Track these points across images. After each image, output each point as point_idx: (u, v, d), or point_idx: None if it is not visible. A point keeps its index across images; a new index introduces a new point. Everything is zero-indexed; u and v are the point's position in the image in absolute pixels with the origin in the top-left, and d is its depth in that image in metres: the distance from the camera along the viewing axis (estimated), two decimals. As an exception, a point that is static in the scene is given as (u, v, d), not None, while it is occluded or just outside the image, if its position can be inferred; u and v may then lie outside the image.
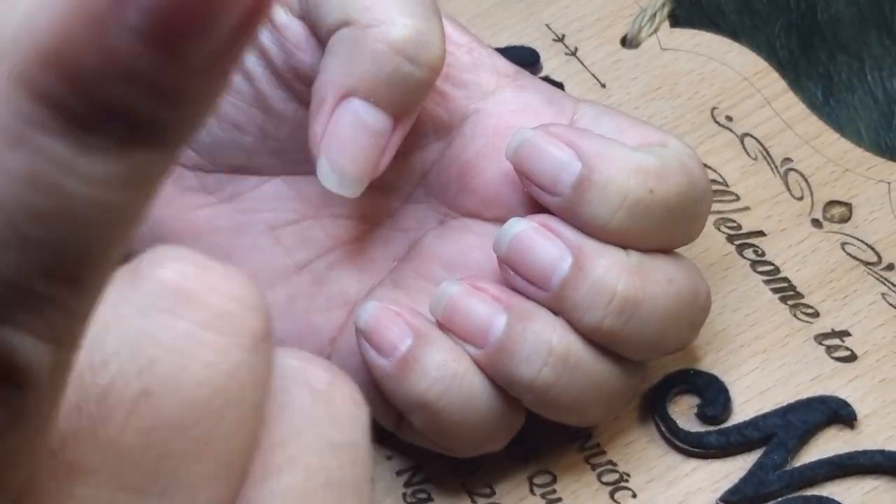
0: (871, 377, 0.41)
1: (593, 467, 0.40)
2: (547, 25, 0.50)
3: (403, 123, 0.37)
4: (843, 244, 0.44)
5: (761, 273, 0.44)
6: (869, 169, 0.46)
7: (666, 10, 0.51)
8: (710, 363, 0.42)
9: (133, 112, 0.17)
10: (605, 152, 0.36)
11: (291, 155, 0.40)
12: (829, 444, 0.40)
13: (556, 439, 0.41)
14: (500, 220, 0.38)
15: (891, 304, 0.43)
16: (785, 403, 0.41)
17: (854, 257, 0.44)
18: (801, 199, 0.45)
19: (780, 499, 0.39)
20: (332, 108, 0.36)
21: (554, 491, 0.40)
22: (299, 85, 0.38)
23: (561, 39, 0.50)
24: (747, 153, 0.46)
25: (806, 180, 0.46)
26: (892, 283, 0.43)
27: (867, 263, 0.44)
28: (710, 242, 0.44)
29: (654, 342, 0.37)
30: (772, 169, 0.46)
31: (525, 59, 0.49)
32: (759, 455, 0.40)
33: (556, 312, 0.37)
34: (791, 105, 0.47)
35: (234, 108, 0.39)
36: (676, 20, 0.51)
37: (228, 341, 0.22)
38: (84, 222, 0.17)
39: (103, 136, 0.17)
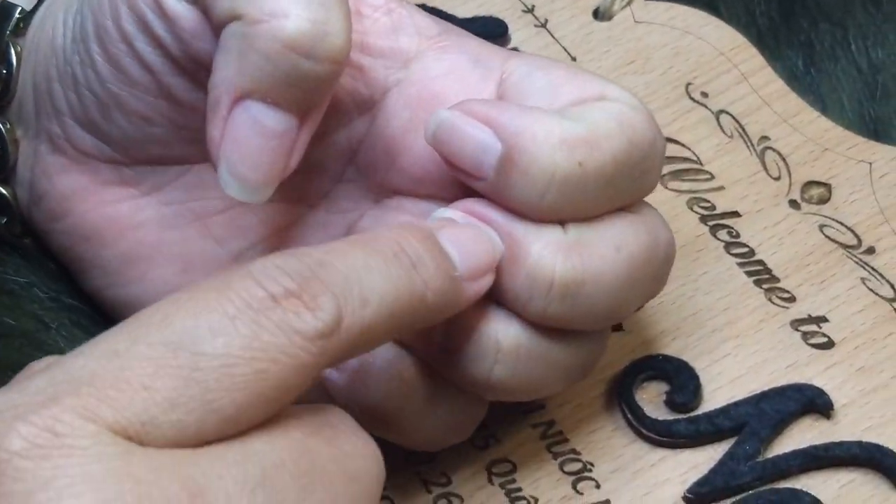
0: (848, 365, 0.39)
1: (555, 456, 0.38)
2: (516, -4, 0.48)
3: (311, 119, 0.34)
4: (821, 226, 0.42)
5: (735, 255, 0.42)
6: (850, 149, 0.44)
7: (640, -20, 0.48)
8: (679, 348, 0.40)
9: None
10: (527, 126, 0.34)
11: None
12: (804, 435, 0.38)
13: (516, 424, 0.39)
14: (435, 198, 0.36)
15: (870, 290, 0.41)
16: (758, 391, 0.39)
17: (833, 240, 0.42)
18: (778, 178, 0.43)
19: (751, 491, 0.37)
20: (227, 110, 0.33)
21: (514, 480, 0.38)
22: (203, 74, 0.35)
23: (531, 10, 0.47)
24: (723, 131, 0.44)
25: (784, 159, 0.44)
26: (873, 268, 0.41)
27: (846, 247, 0.42)
28: (683, 223, 0.42)
29: (610, 313, 0.35)
30: (748, 147, 0.44)
31: (492, 30, 0.47)
32: (730, 445, 0.38)
33: (498, 304, 0.35)
34: (769, 81, 0.45)
35: (138, 101, 0.36)
36: (651, -9, 0.49)
37: None
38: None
39: None
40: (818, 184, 0.43)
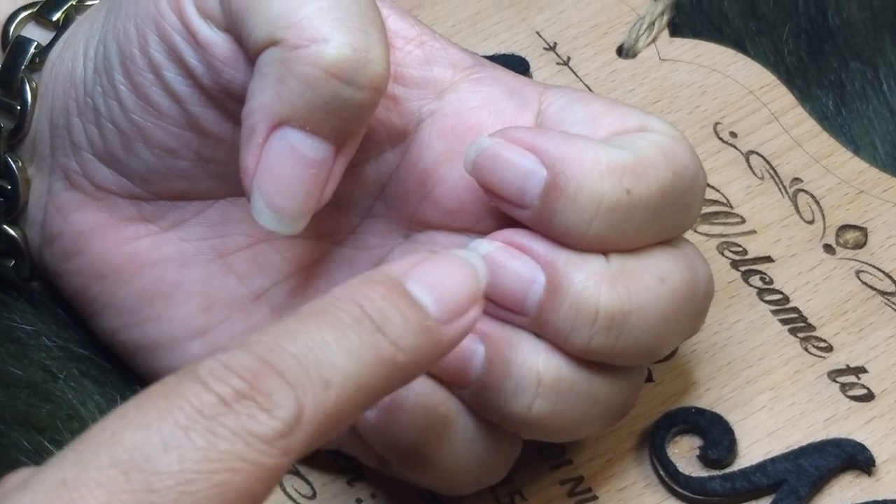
0: (890, 418, 0.38)
1: (584, 514, 0.37)
2: (538, 33, 0.46)
3: (347, 148, 0.33)
4: (857, 272, 0.41)
5: (769, 302, 0.40)
6: (885, 191, 0.42)
7: (665, 18, 0.47)
8: (712, 400, 0.39)
9: None
10: (572, 154, 0.33)
11: (235, 176, 0.36)
12: (844, 493, 0.37)
13: (543, 480, 0.37)
14: (469, 231, 0.35)
15: (910, 339, 0.39)
16: (796, 446, 0.37)
17: (870, 286, 0.40)
18: (811, 222, 0.42)
19: (790, 552, 0.36)
20: (263, 138, 0.32)
21: (540, 540, 0.36)
22: (232, 104, 0.35)
23: (553, 48, 0.46)
24: (753, 172, 0.43)
25: (817, 202, 0.42)
26: (911, 315, 0.40)
27: (884, 293, 0.40)
28: (714, 268, 0.40)
29: (652, 348, 0.34)
30: (780, 189, 0.43)
31: (514, 68, 0.45)
32: None
33: (539, 336, 0.33)
34: (800, 121, 0.44)
35: (163, 132, 0.35)
36: (676, 28, 0.47)
37: None
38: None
39: None
40: (854, 227, 0.42)
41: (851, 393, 0.39)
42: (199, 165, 0.36)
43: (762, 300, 0.40)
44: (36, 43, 0.38)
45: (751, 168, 0.43)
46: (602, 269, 0.33)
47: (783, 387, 0.39)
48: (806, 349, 0.39)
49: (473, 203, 0.35)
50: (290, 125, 0.32)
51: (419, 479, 0.35)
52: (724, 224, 0.42)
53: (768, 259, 0.41)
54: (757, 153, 0.43)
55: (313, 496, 0.37)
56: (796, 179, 0.43)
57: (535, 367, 0.33)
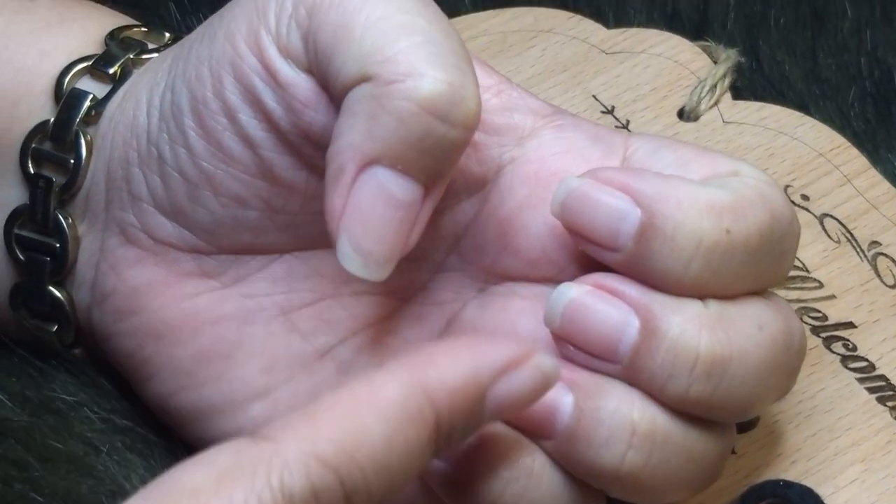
0: None
1: None
2: (594, 97, 0.45)
3: (435, 191, 0.32)
4: (947, 338, 0.39)
5: (854, 370, 0.38)
6: (970, 254, 0.40)
7: (727, 81, 0.46)
8: (800, 473, 0.37)
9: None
10: (668, 192, 0.31)
11: (303, 229, 0.35)
12: (949, 570, 0.34)
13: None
14: (551, 281, 0.33)
15: None
16: (895, 521, 0.35)
17: (961, 353, 0.38)
18: (893, 287, 0.40)
19: None
20: (352, 178, 0.31)
21: None
22: (309, 149, 0.33)
23: (610, 111, 0.45)
24: (829, 235, 0.41)
25: (898, 266, 0.40)
26: None
27: (977, 360, 0.38)
28: (793, 335, 0.39)
29: (751, 402, 0.32)
30: (858, 253, 0.41)
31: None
32: (867, 582, 0.34)
33: (630, 384, 0.32)
34: (875, 183, 0.42)
35: (234, 181, 0.34)
36: (738, 91, 0.46)
37: None
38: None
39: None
40: (939, 292, 0.40)
41: (949, 465, 0.36)
42: (267, 216, 0.34)
43: (846, 367, 0.38)
44: (91, 95, 0.36)
45: (826, 231, 0.41)
46: (700, 312, 0.31)
47: (875, 458, 0.37)
48: (897, 419, 0.37)
49: (557, 250, 0.33)
50: (380, 164, 0.31)
51: None
52: (802, 289, 0.40)
53: (850, 325, 0.39)
54: (831, 216, 0.42)
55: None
56: (874, 243, 0.41)
57: (629, 415, 0.31)
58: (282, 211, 0.34)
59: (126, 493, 0.36)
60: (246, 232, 0.34)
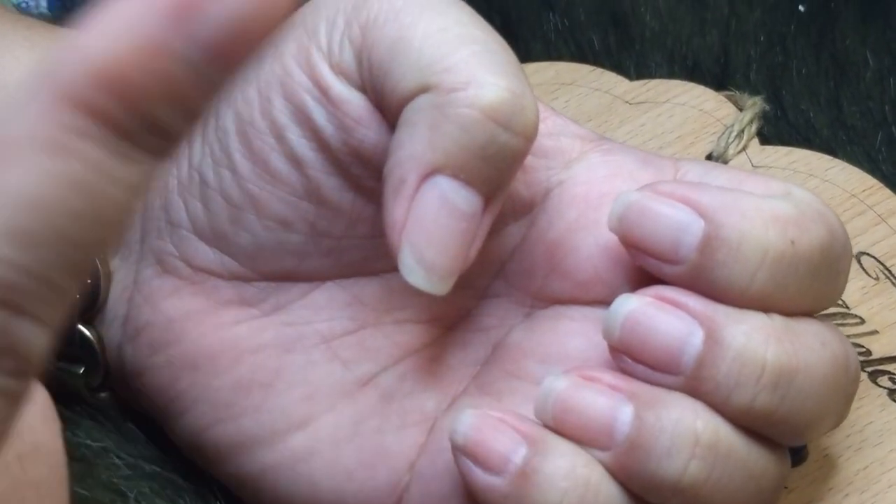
0: None
1: None
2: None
3: (495, 204, 0.32)
4: None
5: (902, 403, 0.37)
6: None
7: (754, 127, 0.46)
8: (854, 506, 0.35)
9: (168, 127, 0.20)
10: (732, 203, 0.31)
11: (346, 255, 0.34)
12: None
13: None
14: (602, 303, 0.32)
15: None
16: (955, 551, 0.34)
17: None
18: (936, 321, 0.39)
19: None
20: (414, 188, 0.30)
21: None
22: (358, 168, 0.33)
23: (638, 158, 0.44)
24: (867, 273, 0.41)
25: (940, 301, 0.40)
26: None
27: None
28: (837, 370, 0.38)
29: (813, 420, 0.31)
30: (898, 289, 0.40)
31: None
32: None
33: (693, 396, 0.31)
34: (910, 222, 0.42)
35: (279, 202, 0.33)
36: (765, 138, 0.46)
37: None
38: (109, 222, 0.20)
39: (142, 148, 0.20)
40: (983, 325, 0.39)
41: None
42: (311, 240, 0.34)
43: (894, 400, 0.38)
44: None
45: (863, 269, 0.41)
46: (766, 323, 0.31)
47: (930, 490, 0.36)
48: (948, 450, 0.36)
49: (609, 271, 0.33)
50: (443, 174, 0.30)
51: None
52: (843, 325, 0.39)
53: (895, 359, 0.38)
54: (868, 254, 0.41)
55: None
56: (914, 279, 0.40)
57: (692, 425, 0.30)
58: (326, 234, 0.33)
59: (155, 539, 0.35)
60: (288, 257, 0.34)
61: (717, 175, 0.33)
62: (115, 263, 0.35)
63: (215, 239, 0.34)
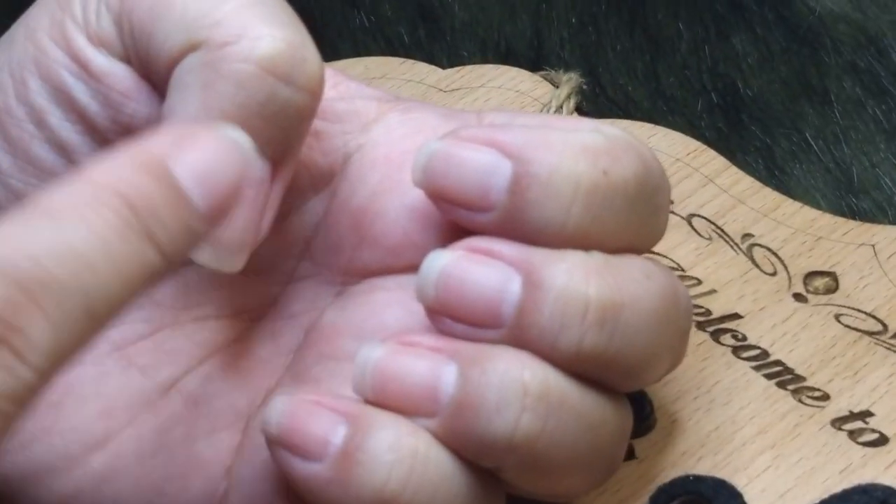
0: (912, 458, 0.33)
1: None
2: (437, 131, 0.42)
3: (284, 170, 0.29)
4: (836, 316, 0.37)
5: (747, 359, 0.36)
6: (845, 234, 0.39)
7: (572, 103, 0.44)
8: (708, 468, 0.34)
9: None
10: (539, 139, 0.29)
11: None
12: (884, 543, 0.32)
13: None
14: (415, 269, 0.30)
15: (908, 379, 0.35)
16: (818, 501, 0.32)
17: (854, 328, 0.36)
18: (773, 274, 0.38)
19: None
20: None
21: None
22: None
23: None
24: (699, 234, 0.39)
25: (775, 254, 0.38)
26: (903, 357, 0.36)
27: (872, 333, 0.36)
28: (678, 332, 0.36)
29: (646, 358, 0.29)
30: (732, 247, 0.39)
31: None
32: (799, 568, 0.31)
33: (518, 347, 0.28)
34: (738, 180, 0.41)
35: None
36: (584, 115, 0.44)
37: None
38: None
39: None
40: (821, 273, 0.38)
41: (862, 439, 0.34)
42: None
43: (739, 357, 0.36)
44: None
45: (695, 230, 0.39)
46: (585, 260, 0.29)
47: (785, 444, 0.34)
48: (800, 401, 0.35)
49: (420, 232, 0.30)
50: None
51: None
52: (680, 288, 0.38)
53: (736, 316, 0.37)
54: (698, 215, 0.40)
55: None
56: (747, 235, 0.39)
57: (519, 376, 0.28)
58: None
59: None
60: None
61: (525, 119, 0.31)
62: None
63: None
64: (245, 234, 0.27)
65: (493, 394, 0.27)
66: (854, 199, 0.41)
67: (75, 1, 0.30)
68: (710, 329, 0.37)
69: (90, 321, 0.23)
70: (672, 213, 0.40)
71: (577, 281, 0.28)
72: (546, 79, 0.45)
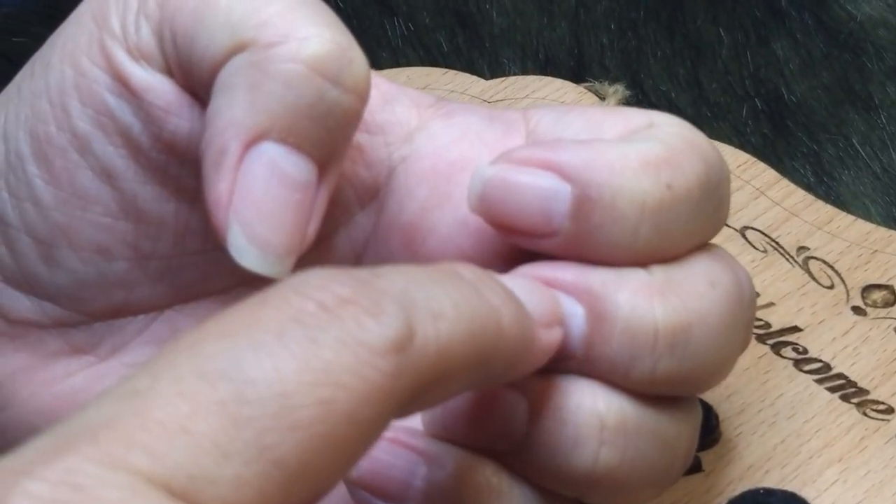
0: (979, 471, 0.34)
1: None
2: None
3: (330, 174, 0.28)
4: (896, 329, 0.37)
5: (809, 372, 0.36)
6: (900, 246, 0.39)
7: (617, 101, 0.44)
8: (776, 481, 0.34)
9: None
10: (596, 158, 0.27)
11: (180, 276, 0.30)
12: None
13: None
14: None
15: (967, 391, 0.36)
16: (888, 515, 0.33)
17: (914, 341, 0.37)
18: (831, 287, 0.38)
19: None
20: (238, 158, 0.26)
21: None
22: (175, 168, 0.29)
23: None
24: (753, 246, 0.39)
25: (831, 267, 0.39)
26: (961, 369, 0.36)
27: (932, 346, 0.37)
28: (739, 346, 0.37)
29: (717, 366, 0.29)
30: (787, 260, 0.39)
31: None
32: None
33: (589, 377, 0.28)
34: (790, 193, 0.41)
35: (94, 229, 0.29)
36: (631, 124, 0.44)
37: None
38: None
39: None
40: (879, 287, 0.38)
41: (929, 452, 0.34)
42: (137, 265, 0.30)
43: (801, 371, 0.36)
44: None
45: (750, 243, 0.40)
46: (646, 281, 0.28)
47: (851, 456, 0.34)
48: (865, 414, 0.35)
49: (475, 246, 0.29)
50: (269, 139, 0.26)
51: None
52: (738, 300, 0.38)
53: (796, 329, 0.37)
54: (752, 228, 0.40)
55: None
56: (802, 248, 0.39)
57: (594, 409, 0.27)
58: (152, 255, 0.30)
59: None
60: (115, 289, 0.30)
61: (571, 120, 0.29)
62: None
63: (28, 283, 0.30)
64: (292, 238, 0.27)
65: (570, 430, 0.27)
66: (905, 208, 0.42)
67: (112, 15, 0.29)
68: (771, 342, 0.37)
69: (444, 324, 0.24)
70: (726, 225, 0.40)
71: (642, 308, 0.27)
72: (590, 90, 0.45)
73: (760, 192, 0.41)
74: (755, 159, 0.42)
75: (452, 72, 0.46)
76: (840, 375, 0.36)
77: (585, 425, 0.27)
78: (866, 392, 0.36)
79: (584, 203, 0.27)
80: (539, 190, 0.27)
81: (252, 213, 0.26)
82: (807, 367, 0.36)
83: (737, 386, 0.36)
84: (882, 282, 0.38)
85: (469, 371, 0.24)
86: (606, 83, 0.45)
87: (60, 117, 0.29)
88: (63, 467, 0.20)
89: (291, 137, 0.27)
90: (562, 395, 0.28)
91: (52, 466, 0.20)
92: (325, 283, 0.22)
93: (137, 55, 0.29)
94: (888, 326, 0.37)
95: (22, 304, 0.30)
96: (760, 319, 0.38)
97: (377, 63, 0.47)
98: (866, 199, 0.42)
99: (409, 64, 0.48)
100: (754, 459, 0.34)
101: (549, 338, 0.26)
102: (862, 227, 0.40)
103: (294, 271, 0.27)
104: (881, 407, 0.35)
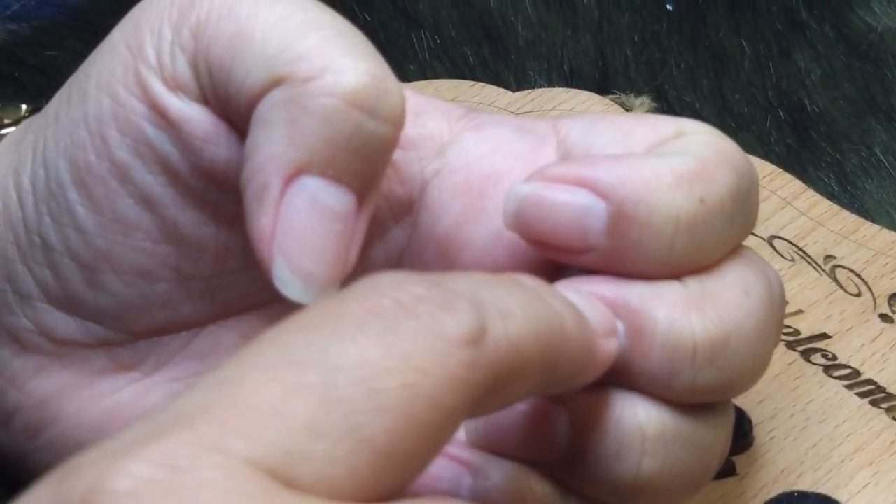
0: None
1: None
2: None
3: (368, 201, 0.28)
4: (923, 336, 0.38)
5: (839, 378, 0.37)
6: (926, 255, 0.40)
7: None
8: (809, 485, 0.35)
9: None
10: (630, 174, 0.28)
11: (221, 294, 0.31)
12: None
13: None
14: None
15: None
16: (920, 518, 0.34)
17: (942, 348, 0.38)
18: (858, 295, 0.39)
19: None
20: (279, 192, 0.27)
21: None
22: (214, 194, 0.30)
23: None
24: (781, 255, 0.40)
25: (858, 275, 0.40)
26: None
27: (959, 353, 0.37)
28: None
29: (754, 372, 0.29)
30: (815, 268, 0.40)
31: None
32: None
33: (629, 388, 0.29)
34: (815, 203, 0.42)
35: (135, 253, 0.30)
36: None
37: None
38: None
39: None
40: (905, 294, 0.39)
41: (959, 456, 0.35)
42: (179, 286, 0.30)
43: (831, 377, 0.37)
44: None
45: (777, 252, 0.40)
46: (683, 295, 0.28)
47: (883, 460, 0.35)
48: (894, 419, 0.36)
49: (510, 259, 0.30)
50: (309, 173, 0.27)
51: None
52: (768, 308, 0.39)
53: (825, 336, 0.38)
54: (779, 237, 0.41)
55: None
56: (829, 257, 0.40)
57: (635, 420, 0.28)
58: (194, 277, 0.30)
59: None
60: (158, 309, 0.31)
61: (601, 129, 0.30)
62: None
63: (73, 305, 0.30)
64: (334, 268, 0.27)
65: (612, 442, 0.28)
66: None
67: (147, 45, 0.29)
68: (800, 349, 0.38)
69: (513, 323, 0.25)
70: (754, 234, 0.41)
71: (680, 323, 0.28)
72: (616, 102, 0.46)
73: (787, 202, 0.42)
74: (780, 170, 0.43)
75: (480, 84, 0.47)
76: (869, 381, 0.37)
77: (627, 436, 0.28)
78: (895, 398, 0.37)
79: (620, 220, 0.28)
80: (575, 207, 0.28)
81: (295, 247, 0.27)
82: (836, 374, 0.37)
83: (768, 392, 0.37)
84: (908, 290, 0.39)
85: (537, 372, 0.25)
86: (633, 95, 0.46)
87: (99, 146, 0.29)
88: (162, 449, 0.21)
89: (330, 170, 0.27)
90: (603, 406, 0.28)
91: (151, 448, 0.21)
92: (399, 282, 0.23)
93: (174, 85, 0.29)
94: (915, 333, 0.38)
95: (67, 325, 0.31)
96: (790, 326, 0.38)
97: (405, 76, 0.48)
98: (890, 207, 0.43)
99: (436, 76, 0.49)
100: (787, 463, 0.35)
101: (609, 346, 0.27)
102: (887, 236, 0.41)
103: None
104: (910, 412, 0.36)
